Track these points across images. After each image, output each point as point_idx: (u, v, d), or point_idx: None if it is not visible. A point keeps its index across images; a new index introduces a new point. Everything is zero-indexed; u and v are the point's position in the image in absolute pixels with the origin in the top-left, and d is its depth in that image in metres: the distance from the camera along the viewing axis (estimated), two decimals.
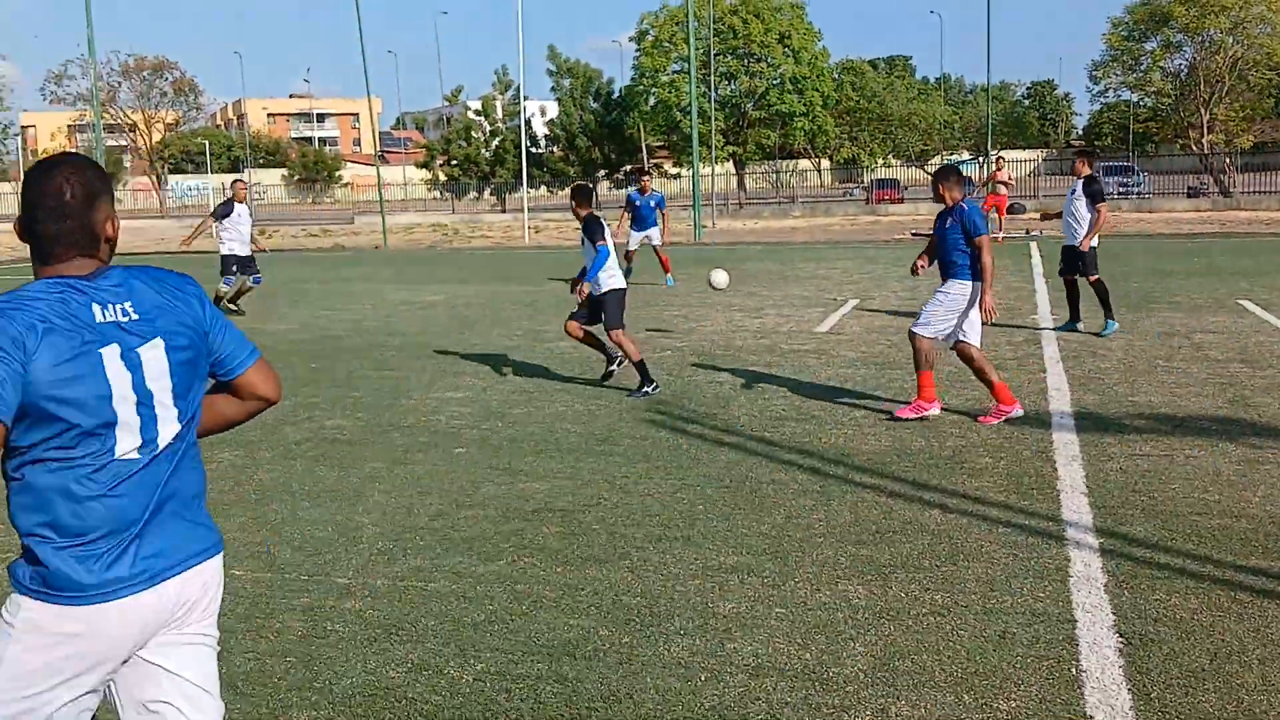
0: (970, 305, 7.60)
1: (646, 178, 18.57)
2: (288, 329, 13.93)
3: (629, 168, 60.69)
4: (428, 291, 18.27)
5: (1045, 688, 3.84)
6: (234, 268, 15.44)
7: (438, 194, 67.86)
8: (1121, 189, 44.91)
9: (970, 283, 7.59)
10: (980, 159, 53.87)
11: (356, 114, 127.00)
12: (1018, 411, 7.60)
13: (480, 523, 5.75)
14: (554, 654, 4.19)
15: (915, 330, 7.74)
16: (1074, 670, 3.97)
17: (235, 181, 17.01)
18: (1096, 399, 8.32)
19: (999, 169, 28.93)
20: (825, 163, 63.20)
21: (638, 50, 57.30)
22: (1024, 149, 76.85)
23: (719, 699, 3.82)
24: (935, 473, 6.49)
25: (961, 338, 7.64)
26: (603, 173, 60.38)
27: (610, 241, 9.06)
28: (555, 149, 60.20)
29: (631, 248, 17.51)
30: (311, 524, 5.81)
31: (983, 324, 7.68)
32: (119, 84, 76.41)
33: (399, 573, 5.07)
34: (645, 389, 8.83)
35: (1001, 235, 25.26)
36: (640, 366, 8.93)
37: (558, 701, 3.83)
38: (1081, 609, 4.49)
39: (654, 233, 17.45)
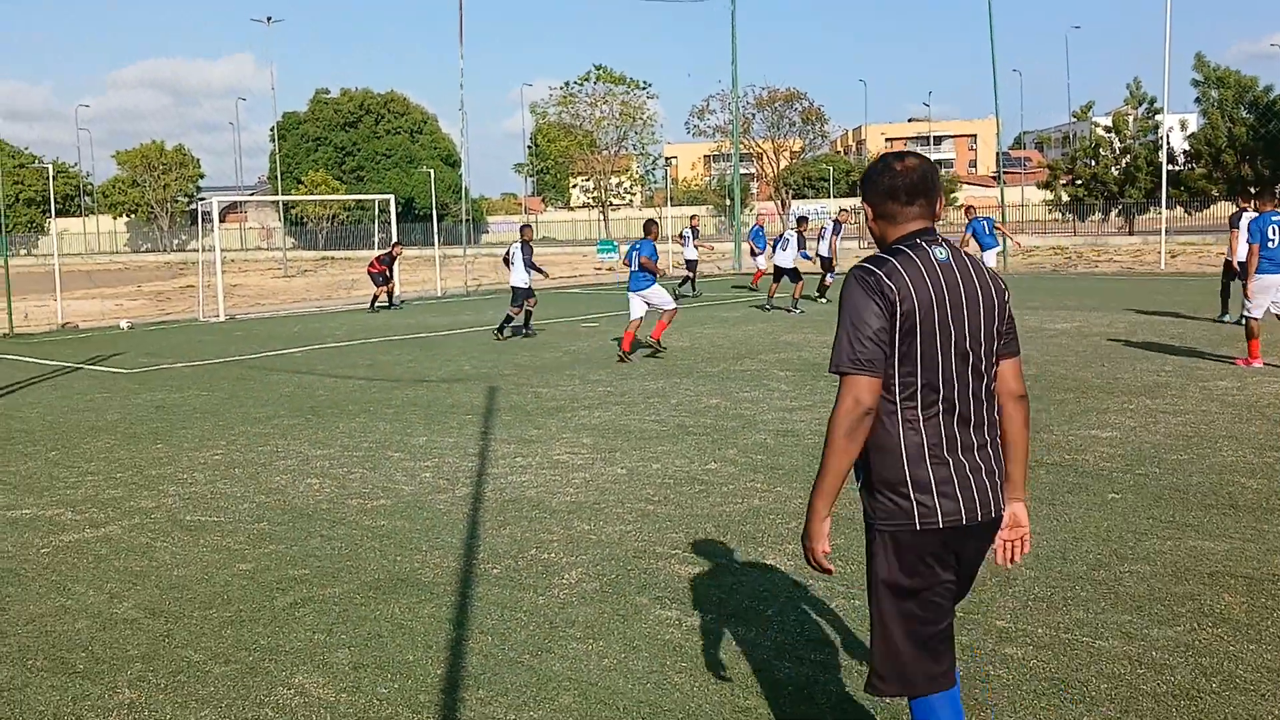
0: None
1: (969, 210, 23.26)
2: None
3: None
4: (1057, 319, 17.46)
5: None
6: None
7: (1058, 215, 65.28)
8: None
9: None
10: None
11: (974, 135, 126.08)
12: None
13: (1148, 580, 5.27)
14: None
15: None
16: None
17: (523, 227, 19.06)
18: None
19: None
20: None
21: None
22: None
23: None
24: None
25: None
26: (1253, 189, 54.04)
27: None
28: (1196, 166, 55.05)
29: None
30: None
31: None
32: (753, 115, 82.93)
33: (1061, 624, 4.78)
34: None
35: None
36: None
37: None
38: None
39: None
